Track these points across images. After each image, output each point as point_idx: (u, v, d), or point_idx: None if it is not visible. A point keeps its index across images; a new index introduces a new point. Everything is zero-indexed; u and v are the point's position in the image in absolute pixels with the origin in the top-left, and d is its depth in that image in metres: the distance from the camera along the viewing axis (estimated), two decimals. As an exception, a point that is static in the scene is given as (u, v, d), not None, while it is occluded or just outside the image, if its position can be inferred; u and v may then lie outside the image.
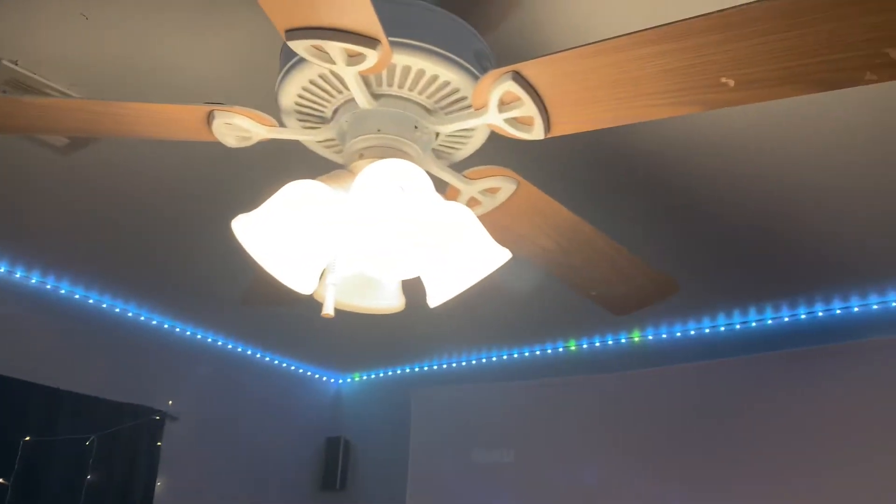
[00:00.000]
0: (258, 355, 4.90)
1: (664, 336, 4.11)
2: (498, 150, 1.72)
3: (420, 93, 1.48)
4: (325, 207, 1.35)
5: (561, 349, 4.47)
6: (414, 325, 4.02)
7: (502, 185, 1.68)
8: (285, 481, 4.87)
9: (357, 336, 4.27)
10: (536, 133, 1.42)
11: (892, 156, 2.34)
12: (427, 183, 1.31)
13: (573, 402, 4.28)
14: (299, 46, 1.29)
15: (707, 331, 3.97)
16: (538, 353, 4.55)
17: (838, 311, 3.58)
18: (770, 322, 3.78)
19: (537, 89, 1.32)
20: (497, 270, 1.44)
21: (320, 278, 1.45)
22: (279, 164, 1.86)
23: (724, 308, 3.75)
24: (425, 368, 5.05)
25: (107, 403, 3.85)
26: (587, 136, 1.58)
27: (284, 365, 5.10)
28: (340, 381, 5.47)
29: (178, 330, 4.41)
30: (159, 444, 4.05)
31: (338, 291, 1.44)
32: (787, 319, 3.73)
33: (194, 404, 4.35)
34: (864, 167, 2.42)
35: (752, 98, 1.27)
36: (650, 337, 4.16)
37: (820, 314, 3.64)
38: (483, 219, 1.52)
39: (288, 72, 1.45)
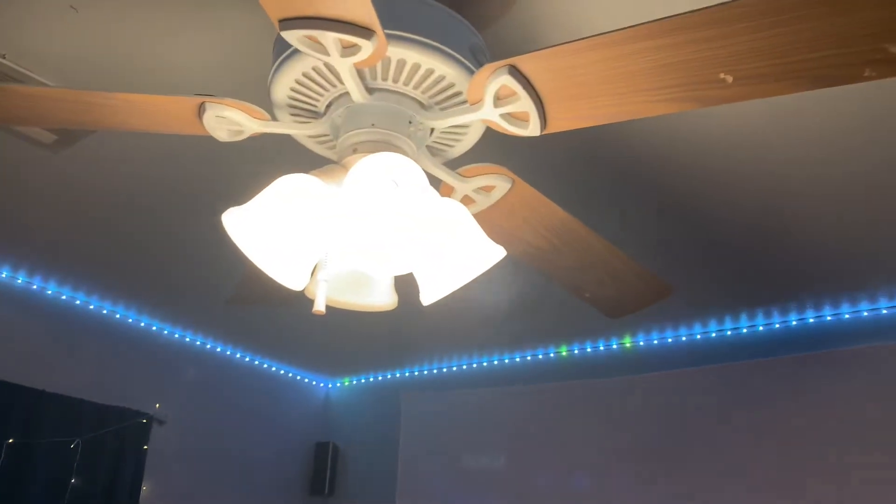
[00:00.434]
0: (247, 359, 4.86)
1: (656, 342, 4.11)
2: (492, 149, 1.71)
3: (415, 87, 1.46)
4: (317, 202, 1.32)
5: (552, 354, 4.45)
6: (404, 330, 4.00)
7: (497, 184, 1.66)
8: (273, 486, 4.83)
9: (347, 340, 4.25)
10: (532, 129, 1.40)
11: (889, 160, 2.34)
12: (422, 178, 1.29)
13: (564, 408, 4.27)
14: (293, 37, 1.26)
15: (699, 336, 3.98)
16: (529, 358, 4.54)
17: (829, 318, 3.61)
18: (761, 329, 3.79)
19: (533, 84, 1.31)
20: (488, 273, 1.41)
21: (312, 274, 1.42)
22: (270, 166, 1.83)
23: (716, 314, 3.75)
24: (415, 373, 5.02)
25: (92, 406, 3.81)
26: (582, 134, 1.56)
27: (273, 369, 5.06)
28: (330, 385, 5.43)
29: (166, 332, 4.37)
30: (146, 447, 4.01)
31: (329, 288, 1.41)
32: (777, 326, 3.75)
33: (182, 408, 4.31)
34: (860, 171, 2.41)
35: (750, 94, 1.26)
36: (642, 343, 4.16)
37: (811, 321, 3.66)
38: (477, 217, 1.50)
39: (281, 64, 1.43)
